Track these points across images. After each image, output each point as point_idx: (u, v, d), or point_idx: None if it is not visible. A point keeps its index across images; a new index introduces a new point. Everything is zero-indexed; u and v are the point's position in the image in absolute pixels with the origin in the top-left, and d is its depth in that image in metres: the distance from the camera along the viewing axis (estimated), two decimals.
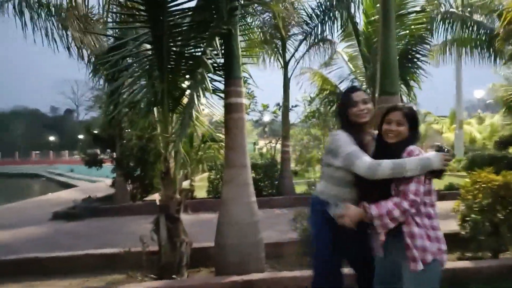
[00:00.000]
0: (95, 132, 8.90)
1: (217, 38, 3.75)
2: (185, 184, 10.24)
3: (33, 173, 36.20)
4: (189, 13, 3.85)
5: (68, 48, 9.03)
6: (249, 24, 7.26)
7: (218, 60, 4.05)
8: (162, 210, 3.69)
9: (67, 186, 21.59)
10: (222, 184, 3.87)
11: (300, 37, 9.73)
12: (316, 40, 9.80)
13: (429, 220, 1.91)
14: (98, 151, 8.99)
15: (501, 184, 4.16)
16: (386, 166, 1.89)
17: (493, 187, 4.18)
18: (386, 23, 4.25)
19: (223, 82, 4.01)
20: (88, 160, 8.82)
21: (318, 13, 9.29)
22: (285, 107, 10.02)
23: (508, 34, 8.51)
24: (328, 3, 9.11)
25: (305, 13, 9.35)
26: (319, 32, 9.54)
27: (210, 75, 4.14)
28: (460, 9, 10.33)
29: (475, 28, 10.66)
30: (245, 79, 10.96)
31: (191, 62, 3.96)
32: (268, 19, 8.87)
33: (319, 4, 9.20)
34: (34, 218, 8.21)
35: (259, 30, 8.79)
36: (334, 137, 2.16)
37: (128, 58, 4.43)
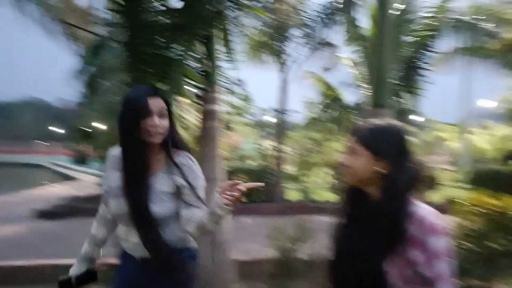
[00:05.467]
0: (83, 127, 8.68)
1: (197, 42, 3.53)
2: None
3: (37, 164, 36.29)
4: (168, 14, 3.61)
5: (64, 40, 8.87)
6: (246, 25, 7.02)
7: (197, 65, 3.80)
8: None
9: (69, 178, 21.46)
10: None
11: (302, 39, 9.43)
12: (318, 44, 9.49)
13: None
14: (86, 147, 8.78)
15: (499, 209, 3.84)
16: None
17: (490, 212, 3.87)
18: (381, 31, 3.96)
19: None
20: (75, 156, 8.63)
21: (322, 16, 8.99)
22: (282, 112, 9.72)
23: None
24: (333, 6, 8.81)
25: (307, 15, 9.05)
26: (321, 35, 9.24)
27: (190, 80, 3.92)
28: (470, 17, 9.96)
29: (486, 37, 10.30)
30: (241, 81, 10.77)
31: (166, 64, 3.70)
32: (268, 21, 8.58)
33: (323, 7, 8.90)
34: (17, 214, 7.97)
35: (258, 31, 8.52)
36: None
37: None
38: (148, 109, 1.40)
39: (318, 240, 3.73)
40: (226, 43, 4.43)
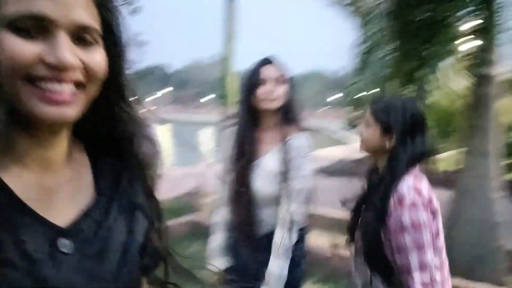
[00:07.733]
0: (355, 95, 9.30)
1: None
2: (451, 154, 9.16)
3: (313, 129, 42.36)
4: None
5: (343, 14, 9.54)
6: None
7: (470, 23, 3.34)
8: None
9: (340, 142, 23.70)
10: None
11: None
12: None
13: None
14: (357, 113, 9.44)
15: None
16: None
17: None
18: None
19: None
20: (347, 121, 9.51)
21: None
22: None
23: None
24: None
25: None
26: None
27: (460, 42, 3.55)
28: None
29: None
30: None
31: (432, 28, 3.46)
32: None
33: None
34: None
35: None
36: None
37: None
38: (260, 77, 1.42)
39: None
40: None
